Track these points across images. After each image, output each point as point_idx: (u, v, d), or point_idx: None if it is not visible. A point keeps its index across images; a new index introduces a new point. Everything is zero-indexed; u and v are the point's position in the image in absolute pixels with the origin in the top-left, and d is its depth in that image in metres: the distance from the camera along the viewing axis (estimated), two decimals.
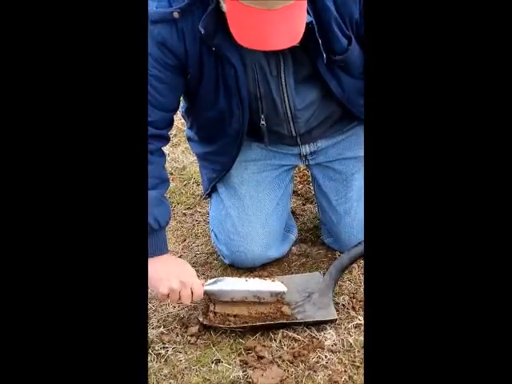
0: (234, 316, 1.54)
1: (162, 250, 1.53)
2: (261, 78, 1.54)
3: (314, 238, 1.93)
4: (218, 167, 1.74)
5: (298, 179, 2.22)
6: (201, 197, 2.14)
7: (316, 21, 1.42)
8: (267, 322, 1.53)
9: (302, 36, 1.33)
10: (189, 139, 1.85)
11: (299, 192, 2.17)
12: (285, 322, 1.53)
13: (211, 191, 1.81)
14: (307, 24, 1.36)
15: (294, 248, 1.88)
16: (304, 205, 2.11)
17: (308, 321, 1.54)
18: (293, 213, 2.03)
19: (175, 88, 1.53)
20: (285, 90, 1.56)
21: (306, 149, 1.76)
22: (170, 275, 1.50)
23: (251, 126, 1.61)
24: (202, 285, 1.53)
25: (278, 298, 1.57)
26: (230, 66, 1.47)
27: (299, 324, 1.54)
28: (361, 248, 1.62)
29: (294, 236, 1.89)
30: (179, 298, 1.51)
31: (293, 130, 1.66)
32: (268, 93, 1.56)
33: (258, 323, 1.52)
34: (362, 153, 1.68)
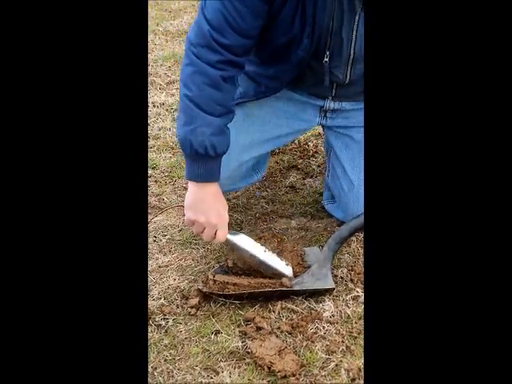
0: (234, 284, 1.55)
1: (214, 176, 1.52)
2: (337, 13, 1.51)
3: (313, 212, 1.95)
4: (263, 89, 1.71)
5: (299, 153, 2.23)
6: None
7: None
8: (266, 289, 1.54)
9: None
10: None
11: (299, 166, 2.18)
12: (283, 289, 1.54)
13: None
14: None
15: (293, 222, 1.89)
16: (304, 179, 2.12)
17: (306, 289, 1.55)
18: (293, 187, 2.04)
19: (257, 15, 1.47)
20: (355, 32, 1.55)
21: (330, 104, 1.76)
22: (211, 211, 1.52)
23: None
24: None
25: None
26: None
27: (297, 293, 1.55)
28: (360, 220, 1.64)
29: (257, 178, 1.92)
30: (201, 232, 1.53)
31: (348, 75, 1.64)
32: (339, 29, 1.54)
33: (256, 290, 1.54)
34: None
